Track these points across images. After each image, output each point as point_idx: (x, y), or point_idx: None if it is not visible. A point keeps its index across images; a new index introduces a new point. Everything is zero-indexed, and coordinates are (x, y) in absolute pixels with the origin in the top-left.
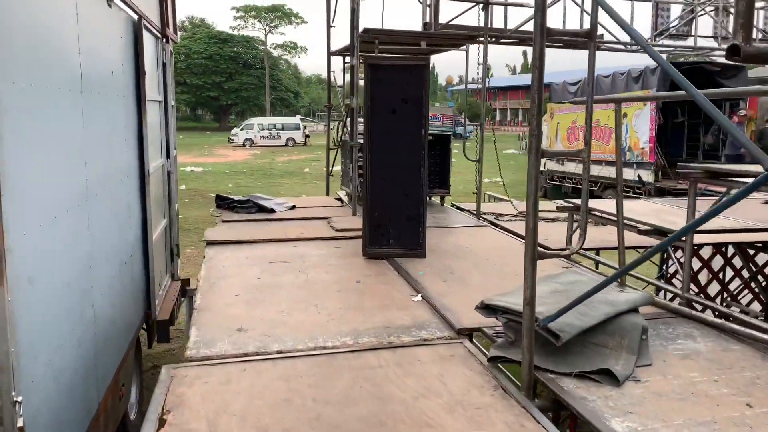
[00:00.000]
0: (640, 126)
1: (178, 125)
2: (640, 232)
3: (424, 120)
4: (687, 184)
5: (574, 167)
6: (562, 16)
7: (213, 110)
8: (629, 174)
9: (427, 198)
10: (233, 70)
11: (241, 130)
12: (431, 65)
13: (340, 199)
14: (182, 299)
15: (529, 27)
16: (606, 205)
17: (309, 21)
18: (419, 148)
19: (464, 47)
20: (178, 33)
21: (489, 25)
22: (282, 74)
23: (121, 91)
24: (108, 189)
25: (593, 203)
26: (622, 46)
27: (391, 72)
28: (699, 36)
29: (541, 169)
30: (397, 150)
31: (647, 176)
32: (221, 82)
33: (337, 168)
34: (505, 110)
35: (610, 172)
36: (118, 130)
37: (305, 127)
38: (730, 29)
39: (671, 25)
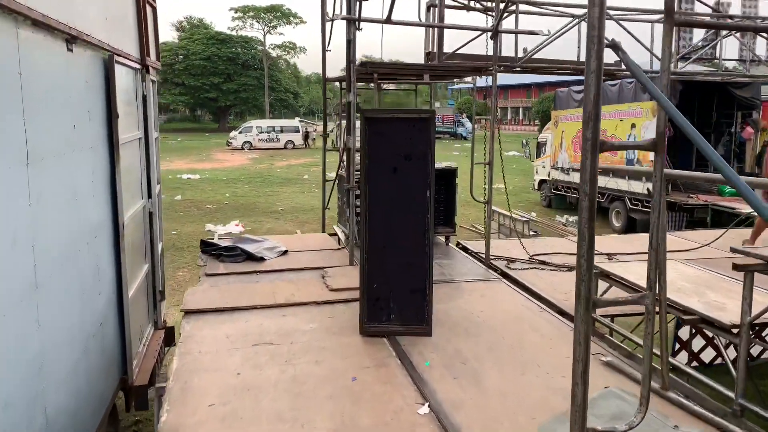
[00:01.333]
0: (650, 137)
1: (176, 127)
2: (684, 320)
3: (430, 179)
4: (699, 199)
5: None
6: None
7: (212, 111)
8: (638, 187)
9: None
10: (232, 71)
11: (240, 133)
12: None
13: (335, 235)
14: (167, 349)
15: (541, 55)
16: (635, 273)
17: (308, 21)
18: (424, 211)
19: (470, 79)
20: (179, 33)
21: (498, 53)
22: (281, 75)
23: (87, 142)
24: (69, 261)
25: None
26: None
27: (392, 125)
28: (725, 59)
29: (545, 177)
30: (398, 214)
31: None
32: (220, 83)
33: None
34: (506, 109)
35: (617, 183)
36: (84, 188)
37: (307, 128)
38: (759, 51)
39: (695, 47)
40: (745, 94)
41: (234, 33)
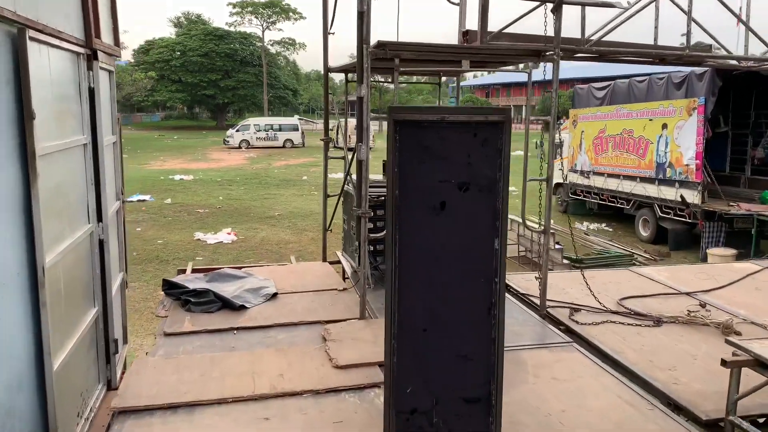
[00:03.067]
0: (684, 139)
1: (174, 125)
2: None
3: (500, 222)
4: (741, 207)
5: (602, 181)
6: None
7: (210, 109)
8: (670, 193)
9: None
10: (230, 67)
11: (237, 131)
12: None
13: (337, 262)
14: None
15: (615, 36)
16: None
17: (308, 16)
18: (489, 272)
19: (523, 66)
20: (177, 28)
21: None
22: (280, 72)
23: None
24: None
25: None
26: (734, 61)
27: (440, 133)
28: None
29: (561, 181)
30: (448, 276)
31: (693, 197)
32: (217, 80)
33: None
34: (509, 107)
35: (645, 189)
36: None
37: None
38: None
39: None
40: None
41: (232, 29)
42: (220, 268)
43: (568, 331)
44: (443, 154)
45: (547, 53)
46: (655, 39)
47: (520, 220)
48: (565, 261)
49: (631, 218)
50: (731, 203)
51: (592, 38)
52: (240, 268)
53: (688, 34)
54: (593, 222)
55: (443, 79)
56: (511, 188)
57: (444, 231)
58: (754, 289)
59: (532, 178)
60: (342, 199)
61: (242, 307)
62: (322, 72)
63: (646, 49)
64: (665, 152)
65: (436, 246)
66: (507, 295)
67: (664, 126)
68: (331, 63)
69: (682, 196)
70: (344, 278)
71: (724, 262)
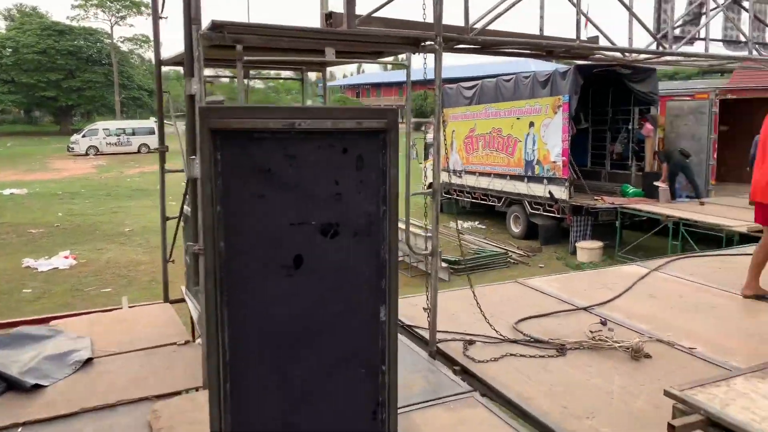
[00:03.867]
0: (551, 137)
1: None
2: None
3: (388, 281)
4: (605, 201)
5: (474, 180)
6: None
7: (52, 112)
8: (539, 190)
9: None
10: (74, 66)
11: (83, 136)
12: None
13: (182, 300)
14: None
15: (500, 25)
16: None
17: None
18: (374, 359)
19: (400, 56)
20: (7, 22)
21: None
22: (134, 71)
23: None
24: None
25: None
26: (618, 54)
27: (289, 147)
28: (712, 39)
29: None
30: (307, 371)
31: (561, 193)
32: (59, 81)
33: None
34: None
35: (515, 186)
36: None
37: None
38: (746, 30)
39: (676, 25)
40: (643, 88)
41: (75, 23)
42: (13, 324)
43: (465, 371)
44: (295, 182)
45: (427, 42)
46: (541, 29)
47: (402, 226)
48: (444, 264)
49: (503, 215)
50: (596, 197)
51: (476, 27)
52: (47, 320)
53: (578, 25)
54: (466, 221)
55: (312, 77)
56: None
57: (301, 299)
58: (649, 297)
59: (416, 191)
60: (183, 222)
61: (37, 386)
62: (155, 58)
63: (535, 40)
64: (533, 150)
65: (289, 324)
66: (402, 339)
67: (531, 124)
68: (167, 54)
69: (550, 193)
70: (192, 325)
71: (592, 254)
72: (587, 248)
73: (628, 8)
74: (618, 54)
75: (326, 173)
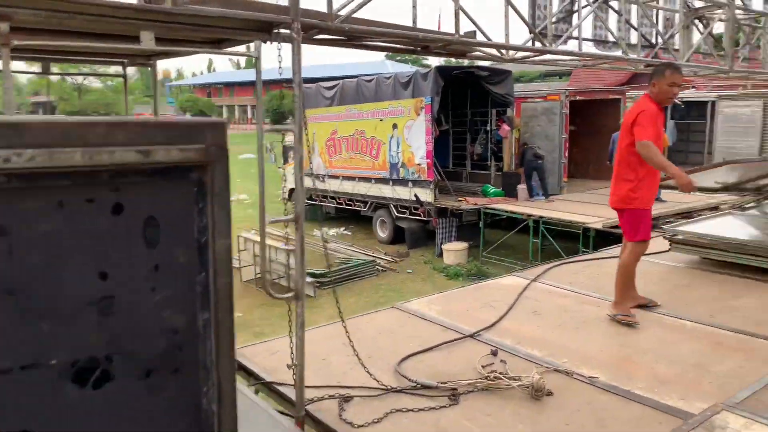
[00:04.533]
0: (415, 139)
1: None
2: None
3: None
4: (468, 202)
5: (338, 184)
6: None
7: None
8: (404, 193)
9: None
10: None
11: None
12: None
13: None
14: None
15: (366, 13)
16: None
17: None
18: None
19: (250, 46)
20: None
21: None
22: None
23: None
24: None
25: None
26: (495, 51)
27: None
28: (584, 39)
29: (293, 186)
30: None
31: (426, 195)
32: None
33: None
34: (233, 107)
35: (380, 190)
36: None
37: None
38: (615, 30)
39: (550, 22)
40: (500, 90)
41: None
42: None
43: None
44: (9, 283)
45: (281, 30)
46: (414, 20)
47: (257, 239)
48: (309, 279)
49: (369, 220)
50: (459, 198)
51: (341, 13)
52: None
53: (456, 16)
54: (332, 227)
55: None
56: (242, 196)
57: None
58: (534, 314)
59: (274, 218)
60: None
61: None
62: None
63: (409, 32)
64: (397, 152)
65: None
66: (240, 388)
67: (395, 126)
68: None
69: (416, 195)
70: None
71: (458, 255)
72: (453, 250)
73: (508, 1)
74: (495, 51)
75: (79, 258)
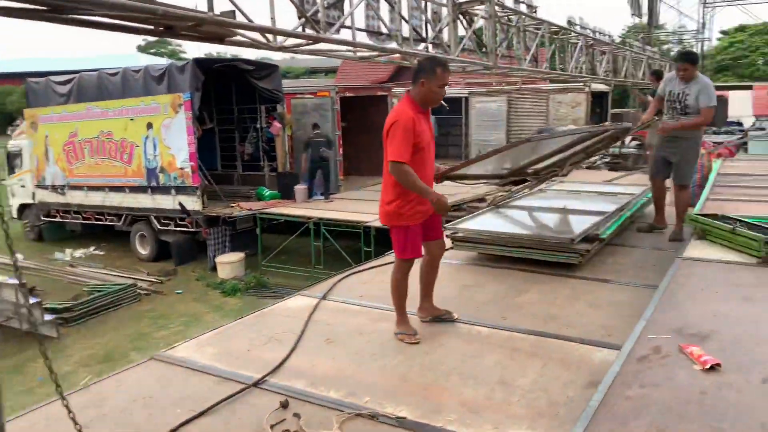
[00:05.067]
0: (174, 139)
1: None
2: None
3: None
4: (242, 208)
5: (83, 196)
6: None
7: None
8: (167, 202)
9: None
10: None
11: None
12: None
13: None
14: None
15: None
16: None
17: None
18: None
19: None
20: None
21: None
22: None
23: None
24: None
25: None
26: (259, 36)
27: None
28: (358, 29)
29: (29, 201)
30: None
31: (192, 203)
32: None
33: None
34: None
35: (137, 200)
36: None
37: None
38: (388, 20)
39: (323, 6)
40: (267, 85)
41: None
42: None
43: None
44: None
45: None
46: None
47: None
48: (49, 317)
49: (126, 236)
50: (232, 204)
51: None
52: None
53: None
54: (78, 248)
55: None
56: None
57: None
58: (327, 343)
59: None
60: None
61: None
62: None
63: (144, 3)
64: (155, 156)
65: None
66: None
67: (150, 126)
68: None
69: (181, 204)
70: None
71: (234, 267)
72: (228, 262)
73: None
74: (259, 37)
75: None
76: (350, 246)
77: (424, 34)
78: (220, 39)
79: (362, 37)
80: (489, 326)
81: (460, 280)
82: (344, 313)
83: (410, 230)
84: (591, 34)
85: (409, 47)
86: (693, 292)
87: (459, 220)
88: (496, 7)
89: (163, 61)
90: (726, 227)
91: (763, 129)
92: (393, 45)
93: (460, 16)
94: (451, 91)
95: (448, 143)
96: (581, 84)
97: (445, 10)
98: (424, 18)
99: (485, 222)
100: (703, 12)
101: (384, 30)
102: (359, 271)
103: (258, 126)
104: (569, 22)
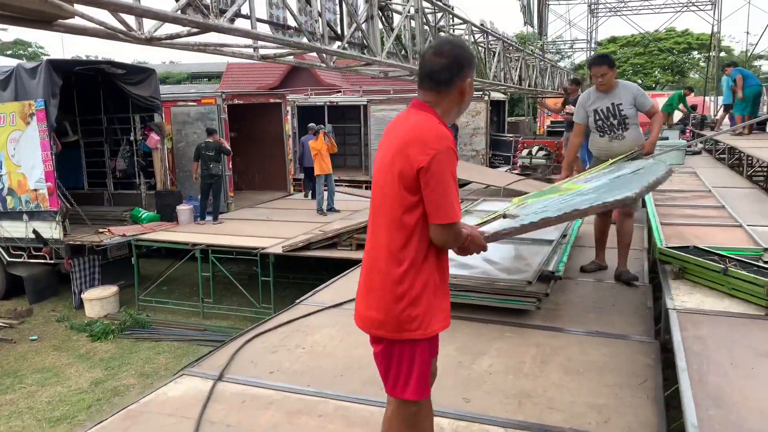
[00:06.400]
0: (25, 156)
1: None
2: None
3: None
4: (113, 233)
5: None
6: None
7: None
8: (18, 230)
9: None
10: None
11: None
12: None
13: None
14: None
15: None
16: None
17: None
18: None
19: None
20: None
21: None
22: None
23: None
24: None
25: None
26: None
27: None
28: (259, 20)
29: None
30: None
31: (50, 231)
32: None
33: None
34: None
35: None
36: None
37: None
38: (296, 9)
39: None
40: (142, 92)
41: None
42: None
43: None
44: None
45: None
46: None
47: None
48: None
49: None
50: (101, 230)
51: None
52: None
53: None
54: None
55: None
56: None
57: None
58: None
59: None
60: None
61: None
62: None
63: None
64: (0, 176)
65: None
66: None
67: None
68: None
69: (36, 232)
70: None
71: (106, 304)
72: (97, 298)
73: None
74: (115, 22)
75: None
76: (243, 271)
77: (339, 30)
78: (47, 21)
79: (264, 31)
80: (450, 415)
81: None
82: (250, 404)
83: (426, 347)
84: (507, 40)
85: (324, 45)
86: (722, 367)
87: None
88: (424, 3)
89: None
90: (715, 267)
91: (666, 138)
92: (303, 41)
93: (380, 12)
94: (348, 99)
95: (346, 153)
96: (480, 93)
97: (362, 4)
98: (338, 12)
99: None
100: (590, 22)
101: (292, 23)
102: (265, 332)
103: (132, 138)
104: (482, 26)
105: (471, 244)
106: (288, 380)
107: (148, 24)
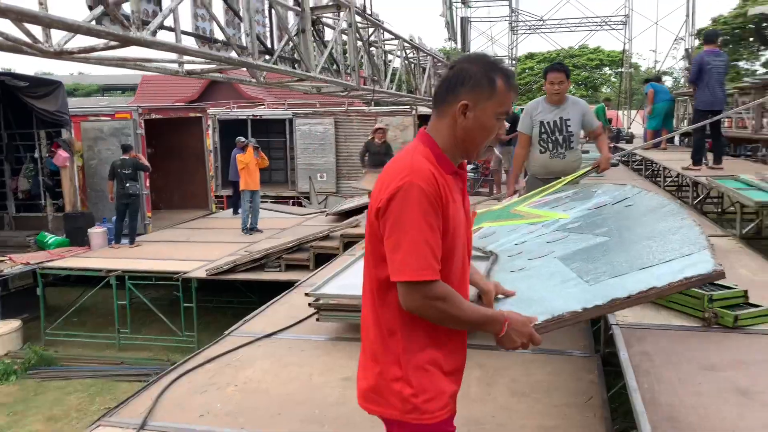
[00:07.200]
0: None
1: None
2: None
3: None
4: (15, 261)
5: None
6: None
7: None
8: None
9: None
10: None
11: None
12: None
13: None
14: None
15: None
16: None
17: None
18: None
19: None
20: None
21: None
22: None
23: None
24: None
25: None
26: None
27: None
28: (184, 32)
29: None
30: None
31: None
32: None
33: None
34: None
35: None
36: None
37: None
38: (224, 21)
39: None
40: (47, 106)
41: None
42: None
43: None
44: None
45: None
46: None
47: None
48: None
49: None
50: (0, 257)
51: None
52: None
53: None
54: None
55: None
56: None
57: None
58: None
59: None
60: None
61: None
62: None
63: None
64: None
65: None
66: None
67: None
68: None
69: None
70: None
71: (7, 341)
72: None
73: None
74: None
75: None
76: (164, 297)
77: (269, 44)
78: None
79: (190, 44)
80: None
81: (334, 368)
82: None
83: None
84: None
85: (255, 60)
86: (672, 385)
87: (322, 282)
88: (357, 17)
89: None
90: None
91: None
92: (232, 55)
93: (311, 27)
94: (272, 113)
95: (271, 168)
96: (408, 107)
97: (292, 16)
98: (268, 24)
99: (351, 281)
100: (511, 39)
101: (219, 35)
102: (191, 370)
103: (37, 156)
104: (411, 41)
105: (512, 332)
106: (220, 424)
107: (58, 35)
